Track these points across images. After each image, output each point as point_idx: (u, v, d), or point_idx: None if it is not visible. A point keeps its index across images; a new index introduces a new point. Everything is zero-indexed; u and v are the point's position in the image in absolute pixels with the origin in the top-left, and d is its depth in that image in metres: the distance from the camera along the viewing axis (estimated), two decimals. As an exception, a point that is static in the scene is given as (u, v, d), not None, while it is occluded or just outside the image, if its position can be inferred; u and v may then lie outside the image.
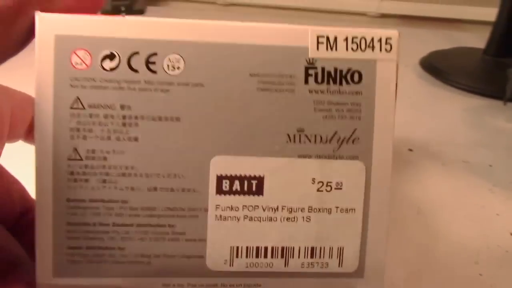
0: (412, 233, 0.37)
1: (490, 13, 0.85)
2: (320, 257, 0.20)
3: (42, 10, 0.18)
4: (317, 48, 0.19)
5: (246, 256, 0.20)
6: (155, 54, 0.19)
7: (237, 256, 0.20)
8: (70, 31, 0.18)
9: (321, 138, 0.20)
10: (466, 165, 0.46)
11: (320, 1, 0.89)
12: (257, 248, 0.20)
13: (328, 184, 0.20)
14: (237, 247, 0.20)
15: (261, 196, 0.20)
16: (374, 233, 0.20)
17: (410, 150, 0.48)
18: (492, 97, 0.58)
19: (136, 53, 0.19)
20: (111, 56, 0.19)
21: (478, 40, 0.80)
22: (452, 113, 0.56)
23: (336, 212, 0.20)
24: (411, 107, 0.57)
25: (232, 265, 0.20)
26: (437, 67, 0.62)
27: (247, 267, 0.20)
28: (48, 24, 0.18)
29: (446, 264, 0.34)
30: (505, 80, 0.52)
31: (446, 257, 0.34)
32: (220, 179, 0.19)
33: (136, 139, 0.19)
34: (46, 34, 0.18)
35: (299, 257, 0.20)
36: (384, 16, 0.90)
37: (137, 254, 0.19)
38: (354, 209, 0.20)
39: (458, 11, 0.87)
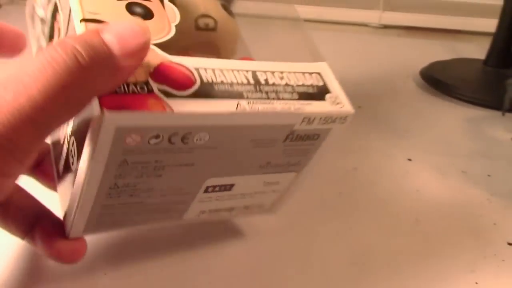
0: (410, 242, 0.37)
1: (490, 24, 0.86)
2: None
3: None
4: (300, 124, 0.27)
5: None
6: (189, 133, 0.24)
7: (203, 214, 0.32)
8: (128, 123, 0.22)
9: (278, 164, 0.30)
10: (465, 175, 0.46)
11: (323, 13, 0.90)
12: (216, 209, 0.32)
13: (273, 183, 0.32)
14: (203, 210, 0.32)
15: (229, 191, 0.30)
16: None
17: (409, 160, 0.49)
18: (492, 107, 0.59)
19: (176, 133, 0.24)
20: (156, 136, 0.23)
21: (478, 50, 0.80)
22: (451, 124, 0.57)
23: (269, 192, 0.33)
24: (411, 117, 0.58)
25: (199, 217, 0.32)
26: (438, 77, 0.63)
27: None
28: (112, 118, 0.21)
29: (443, 273, 0.34)
30: (504, 90, 0.53)
31: (443, 265, 0.35)
32: (207, 187, 0.29)
33: (160, 175, 0.26)
34: (109, 125, 0.22)
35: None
36: (386, 27, 0.90)
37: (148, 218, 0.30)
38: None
39: (459, 22, 0.88)
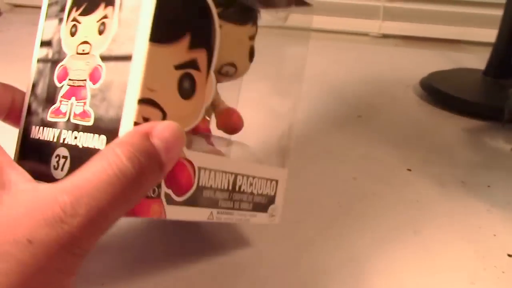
0: (409, 254, 0.37)
1: (490, 34, 0.86)
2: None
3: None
4: None
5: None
6: None
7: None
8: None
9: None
10: (465, 186, 0.46)
11: (323, 22, 0.90)
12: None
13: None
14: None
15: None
16: None
17: (409, 170, 0.49)
18: (492, 118, 0.58)
19: None
20: None
21: (478, 61, 0.80)
22: (451, 134, 0.57)
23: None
24: (411, 127, 0.58)
25: None
26: (437, 87, 0.63)
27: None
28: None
29: (443, 285, 0.34)
30: (504, 101, 0.52)
31: (443, 277, 0.35)
32: None
33: None
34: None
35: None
36: (385, 36, 0.91)
37: None
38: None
39: (459, 32, 0.88)
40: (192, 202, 0.29)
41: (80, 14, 0.29)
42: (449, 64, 0.78)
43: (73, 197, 0.21)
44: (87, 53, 0.28)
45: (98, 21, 0.28)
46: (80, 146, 0.28)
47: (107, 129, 0.26)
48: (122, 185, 0.22)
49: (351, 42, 0.89)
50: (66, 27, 0.30)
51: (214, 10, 0.29)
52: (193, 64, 0.28)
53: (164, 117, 0.27)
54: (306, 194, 0.44)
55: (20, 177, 0.24)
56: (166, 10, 0.26)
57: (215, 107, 0.36)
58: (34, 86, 0.32)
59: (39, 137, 0.30)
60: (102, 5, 0.28)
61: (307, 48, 0.38)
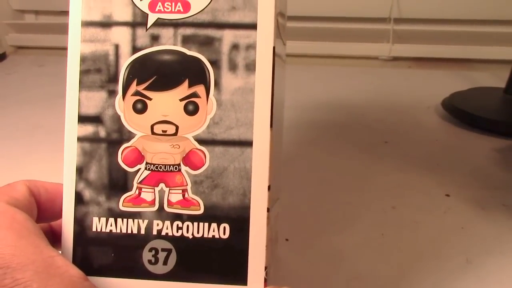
0: (463, 284, 0.35)
1: (501, 52, 0.86)
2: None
3: None
4: None
5: None
6: None
7: None
8: None
9: None
10: (507, 209, 0.45)
11: (333, 47, 0.90)
12: None
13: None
14: None
15: None
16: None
17: (447, 195, 0.47)
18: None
19: None
20: None
21: (493, 78, 0.80)
22: (482, 155, 0.55)
23: None
24: (440, 150, 0.56)
25: None
26: (460, 108, 0.62)
27: None
28: None
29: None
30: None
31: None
32: None
33: None
34: None
35: None
36: (396, 59, 0.90)
37: None
38: None
39: (469, 51, 0.88)
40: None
41: (148, 89, 0.26)
42: (464, 83, 0.77)
43: None
44: (172, 135, 0.26)
45: (182, 100, 0.26)
46: (190, 237, 0.26)
47: (229, 217, 0.26)
48: None
49: (362, 67, 0.88)
50: (125, 102, 0.27)
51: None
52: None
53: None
54: (349, 227, 0.42)
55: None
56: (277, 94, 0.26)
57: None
58: (81, 170, 0.27)
59: (110, 230, 0.27)
60: (186, 83, 0.26)
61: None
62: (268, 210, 0.25)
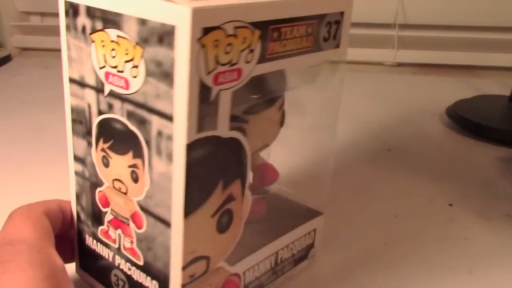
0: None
1: (506, 59, 0.86)
2: None
3: None
4: None
5: None
6: None
7: None
8: None
9: None
10: (511, 219, 0.44)
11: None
12: None
13: None
14: None
15: None
16: None
17: (451, 205, 0.47)
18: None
19: None
20: None
21: (497, 86, 0.80)
22: (487, 164, 0.55)
23: None
24: (444, 159, 0.56)
25: None
26: (465, 116, 0.62)
27: None
28: None
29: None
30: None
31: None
32: None
33: None
34: None
35: None
36: (400, 65, 0.90)
37: None
38: None
39: (474, 58, 0.88)
40: None
41: (109, 149, 0.28)
42: (468, 90, 0.77)
43: None
44: (124, 193, 0.28)
45: (129, 167, 0.27)
46: (135, 279, 0.29)
47: (158, 277, 0.28)
48: None
49: (366, 72, 0.88)
50: (96, 154, 0.29)
51: (245, 141, 0.28)
52: (229, 199, 0.28)
53: (208, 261, 0.28)
54: (349, 235, 0.42)
55: None
56: (195, 185, 0.25)
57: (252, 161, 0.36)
58: (78, 196, 0.32)
59: (94, 249, 0.32)
60: (131, 153, 0.27)
61: (341, 80, 0.37)
62: (182, 286, 0.27)
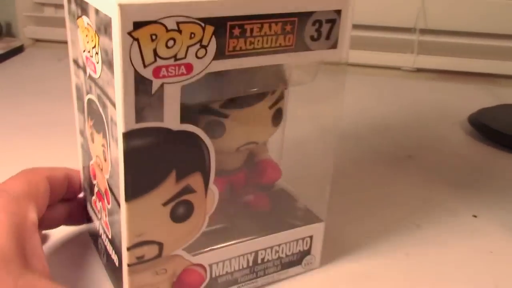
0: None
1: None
2: None
3: None
4: None
5: None
6: None
7: None
8: None
9: None
10: (538, 233, 0.42)
11: (355, 56, 0.87)
12: None
13: None
14: None
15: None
16: None
17: (475, 216, 0.45)
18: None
19: None
20: None
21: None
22: (510, 175, 0.53)
23: None
24: (467, 168, 0.54)
25: None
26: (488, 125, 0.60)
27: None
28: None
29: None
30: None
31: None
32: None
33: None
34: None
35: None
36: (419, 70, 0.88)
37: None
38: None
39: (495, 66, 0.86)
40: None
41: (93, 127, 0.31)
42: (490, 98, 0.75)
43: None
44: (101, 170, 0.30)
45: (102, 146, 0.29)
46: (108, 250, 0.32)
47: (118, 253, 0.30)
48: None
49: (384, 77, 0.86)
50: (88, 131, 0.32)
51: (204, 135, 0.28)
52: (186, 191, 0.28)
53: (161, 246, 0.29)
54: (372, 244, 0.40)
55: None
56: (136, 170, 0.26)
57: (254, 156, 0.35)
58: (83, 168, 0.36)
59: (91, 216, 0.35)
60: (101, 134, 0.29)
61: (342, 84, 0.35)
62: (128, 265, 0.28)
